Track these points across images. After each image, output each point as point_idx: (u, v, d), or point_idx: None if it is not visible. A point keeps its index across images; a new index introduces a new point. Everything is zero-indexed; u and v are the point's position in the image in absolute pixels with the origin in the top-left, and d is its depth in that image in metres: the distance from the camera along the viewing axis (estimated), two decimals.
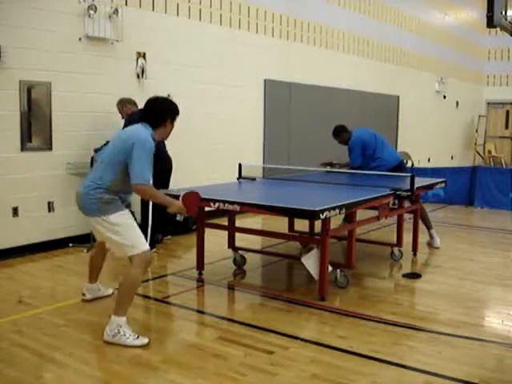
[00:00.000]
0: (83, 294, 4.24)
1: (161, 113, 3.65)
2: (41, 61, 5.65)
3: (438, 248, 6.23)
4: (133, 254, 3.56)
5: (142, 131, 3.55)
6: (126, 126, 5.89)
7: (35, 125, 5.69)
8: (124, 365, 3.20)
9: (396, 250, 5.68)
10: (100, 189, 3.53)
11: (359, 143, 6.20)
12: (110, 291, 4.35)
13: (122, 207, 3.63)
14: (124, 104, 5.97)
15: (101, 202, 3.53)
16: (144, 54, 6.68)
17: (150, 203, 5.69)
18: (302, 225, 5.84)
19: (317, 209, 3.91)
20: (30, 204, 5.69)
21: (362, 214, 4.88)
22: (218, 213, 4.97)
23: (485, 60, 16.98)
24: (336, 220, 4.32)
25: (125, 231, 3.57)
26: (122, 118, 5.98)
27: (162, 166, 5.89)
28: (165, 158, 5.96)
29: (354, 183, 5.64)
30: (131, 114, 5.85)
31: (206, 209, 4.83)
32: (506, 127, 16.88)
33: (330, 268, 4.42)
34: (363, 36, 11.12)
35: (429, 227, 6.34)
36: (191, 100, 7.35)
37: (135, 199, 6.21)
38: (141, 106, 5.99)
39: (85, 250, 5.80)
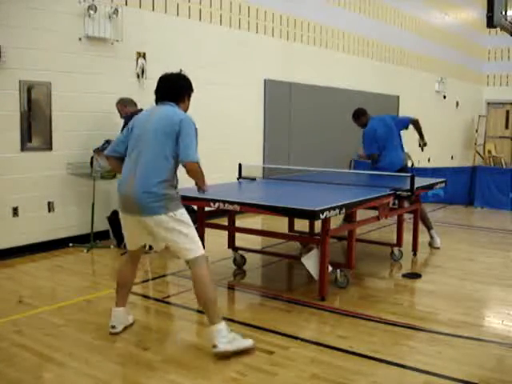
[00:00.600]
0: (113, 327, 3.56)
1: (181, 88, 3.47)
2: (41, 61, 5.65)
3: (438, 248, 6.22)
4: (196, 256, 3.32)
5: (178, 110, 3.38)
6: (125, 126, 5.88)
7: (35, 125, 5.69)
8: (124, 365, 3.21)
9: (396, 250, 5.68)
10: (163, 183, 3.25)
11: (371, 134, 6.24)
12: (132, 319, 3.79)
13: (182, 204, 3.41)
14: (124, 104, 5.95)
15: (167, 198, 3.26)
16: (144, 54, 6.68)
17: None
18: (302, 225, 5.84)
19: (317, 209, 3.91)
20: (30, 204, 5.69)
21: (362, 214, 4.88)
22: (218, 213, 4.98)
23: (485, 60, 16.98)
24: (336, 220, 4.31)
25: (191, 230, 3.36)
26: (121, 117, 5.95)
27: None
28: None
29: (353, 183, 5.64)
30: (132, 115, 5.84)
31: (206, 209, 4.84)
32: (506, 127, 16.88)
33: (330, 268, 4.42)
34: (363, 36, 11.12)
35: (429, 228, 6.34)
36: (191, 100, 7.32)
37: None
38: (141, 105, 6.04)
39: (85, 250, 5.81)
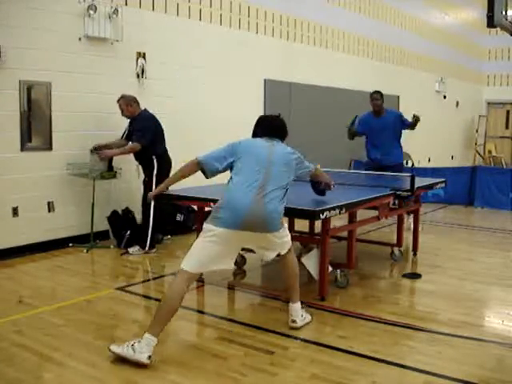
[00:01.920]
0: (149, 357, 3.18)
1: (286, 132, 4.04)
2: (41, 61, 5.65)
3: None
4: (290, 245, 3.82)
5: (288, 147, 3.96)
6: (133, 127, 5.87)
7: (35, 125, 5.69)
8: (124, 365, 3.20)
9: (396, 250, 5.68)
10: (282, 204, 3.63)
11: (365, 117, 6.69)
12: None
13: None
14: (129, 103, 5.82)
15: (282, 214, 3.67)
16: (144, 54, 6.68)
17: (152, 203, 5.69)
18: (302, 225, 5.84)
19: (317, 209, 3.91)
20: (30, 204, 5.69)
21: (362, 213, 4.88)
22: None
23: (485, 60, 16.98)
24: (336, 220, 4.31)
25: (287, 231, 3.80)
26: (123, 115, 5.91)
27: (164, 166, 5.89)
28: (166, 160, 5.96)
29: (354, 183, 5.63)
30: (142, 117, 5.83)
31: (206, 209, 4.83)
32: (506, 127, 16.87)
33: (330, 268, 4.42)
34: (363, 36, 11.12)
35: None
36: (191, 100, 7.35)
37: (137, 199, 6.23)
38: (141, 106, 6.03)
39: (85, 250, 5.81)
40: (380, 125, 6.62)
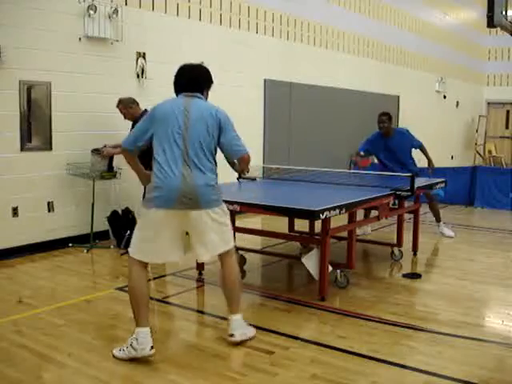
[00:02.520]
0: (144, 349, 3.20)
1: (207, 80, 3.58)
2: (41, 61, 5.65)
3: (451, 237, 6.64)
4: (232, 247, 3.48)
5: (209, 103, 3.47)
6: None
7: (35, 125, 5.69)
8: (124, 365, 3.20)
9: (396, 250, 5.67)
10: (214, 175, 3.32)
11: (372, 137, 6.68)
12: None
13: None
14: (128, 105, 5.82)
15: (218, 189, 3.34)
16: (144, 53, 6.68)
17: None
18: (302, 225, 5.84)
19: (317, 209, 3.91)
20: (30, 204, 5.69)
21: (361, 214, 4.88)
22: None
23: (485, 60, 16.97)
24: (336, 220, 4.31)
25: (229, 221, 3.47)
26: (125, 118, 5.91)
27: None
28: None
29: (353, 183, 5.63)
30: (143, 115, 5.82)
31: None
32: (506, 127, 16.87)
33: (330, 268, 4.42)
34: (363, 36, 11.12)
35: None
36: None
37: (138, 199, 6.23)
38: (141, 106, 6.03)
39: (85, 250, 5.81)
40: (388, 146, 6.51)
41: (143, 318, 3.25)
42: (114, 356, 3.24)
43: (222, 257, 3.47)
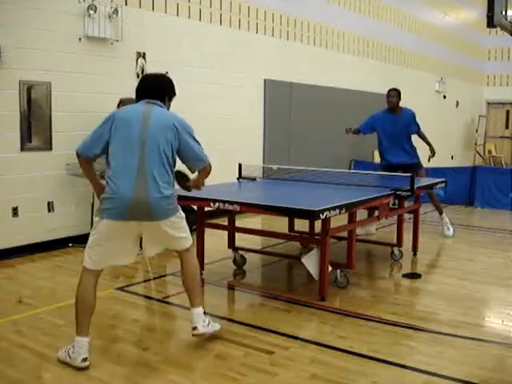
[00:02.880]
0: (85, 360, 3.15)
1: (169, 90, 3.43)
2: (41, 61, 5.65)
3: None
4: (191, 243, 3.48)
5: (170, 112, 3.37)
6: None
7: (35, 125, 5.69)
8: (124, 365, 3.21)
9: (396, 250, 5.67)
10: (170, 185, 3.25)
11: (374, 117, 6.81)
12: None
13: None
14: (128, 104, 5.88)
15: (173, 198, 3.28)
16: (144, 53, 6.68)
17: None
18: (302, 225, 5.84)
19: (317, 209, 3.91)
20: (30, 204, 5.69)
21: (362, 214, 4.88)
22: (218, 213, 4.97)
23: (485, 60, 16.97)
24: (336, 220, 4.31)
25: (185, 223, 3.42)
26: None
27: None
28: None
29: (353, 183, 5.63)
30: None
31: (206, 209, 4.83)
32: (506, 127, 16.87)
33: (330, 268, 4.42)
34: (363, 36, 11.11)
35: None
36: (191, 100, 7.34)
37: None
38: None
39: None
40: (394, 123, 6.55)
41: (83, 327, 3.20)
42: (57, 356, 3.23)
43: (181, 253, 3.46)
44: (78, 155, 3.31)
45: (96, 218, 3.24)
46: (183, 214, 3.39)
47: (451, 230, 6.80)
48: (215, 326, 3.55)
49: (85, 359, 3.13)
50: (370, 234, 6.73)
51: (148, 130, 3.19)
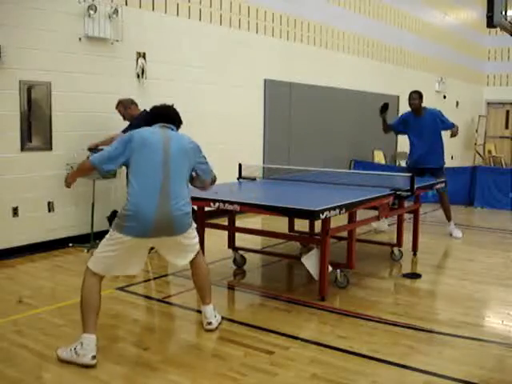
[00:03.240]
0: (94, 357, 3.19)
1: (181, 120, 3.76)
2: (41, 61, 5.65)
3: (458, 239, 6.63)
4: (198, 248, 3.68)
5: (186, 136, 3.65)
6: (133, 127, 5.86)
7: (35, 125, 5.69)
8: (124, 365, 3.21)
9: (396, 250, 5.67)
10: (188, 201, 3.50)
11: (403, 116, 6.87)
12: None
13: None
14: (127, 105, 5.87)
15: (190, 213, 3.53)
16: (144, 53, 6.68)
17: None
18: (302, 225, 5.84)
19: (317, 209, 3.91)
20: (30, 204, 5.69)
21: (362, 214, 4.88)
22: (218, 213, 4.97)
23: (485, 60, 16.98)
24: (336, 220, 4.31)
25: (196, 232, 3.65)
26: (125, 119, 5.93)
27: None
28: None
29: (353, 183, 5.63)
30: (140, 116, 5.84)
31: (206, 209, 4.84)
32: (506, 127, 16.88)
33: (330, 268, 4.42)
34: (363, 36, 11.12)
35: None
36: (191, 100, 7.34)
37: None
38: (141, 106, 6.03)
39: (85, 250, 5.81)
40: (419, 125, 6.60)
41: (91, 324, 3.26)
42: (57, 355, 3.23)
43: (195, 257, 3.67)
44: (94, 166, 3.43)
45: (114, 232, 3.31)
46: (195, 224, 3.62)
47: (460, 232, 6.80)
48: (219, 317, 3.80)
49: (94, 357, 3.18)
50: (383, 229, 6.72)
51: (170, 154, 3.41)
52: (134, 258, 3.44)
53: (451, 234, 6.78)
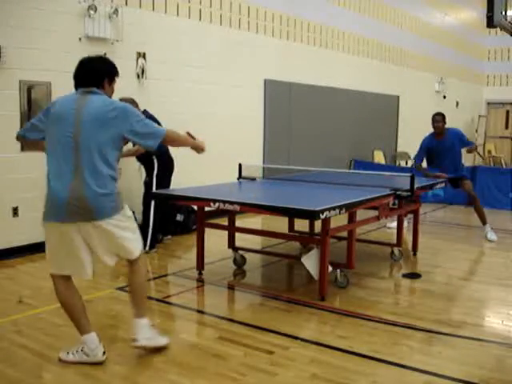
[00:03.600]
0: (104, 353, 3.21)
1: (106, 71, 3.18)
2: (41, 61, 5.65)
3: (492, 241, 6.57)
4: (140, 251, 3.25)
5: (107, 100, 3.07)
6: None
7: None
8: (124, 365, 3.21)
9: (396, 250, 5.67)
10: (114, 180, 3.03)
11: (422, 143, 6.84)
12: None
13: None
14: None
15: (117, 194, 3.07)
16: (144, 54, 6.68)
17: (153, 203, 5.69)
18: (302, 225, 5.84)
19: (317, 209, 3.91)
20: (30, 204, 5.69)
21: (362, 214, 4.88)
22: (218, 213, 4.98)
23: (485, 60, 16.98)
24: (336, 220, 4.31)
25: (134, 224, 3.23)
26: None
27: (165, 166, 5.90)
28: (167, 159, 5.97)
29: (353, 183, 5.64)
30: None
31: (206, 209, 4.84)
32: (506, 127, 16.87)
33: (330, 268, 4.42)
34: (363, 36, 11.12)
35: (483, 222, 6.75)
36: (191, 100, 7.35)
37: (138, 199, 6.23)
38: (141, 106, 6.04)
39: None
40: (441, 146, 6.67)
41: (84, 325, 3.19)
42: (60, 359, 3.20)
43: (131, 261, 3.27)
44: (19, 135, 3.26)
45: (42, 221, 3.16)
46: (130, 213, 3.19)
47: (494, 235, 6.72)
48: (160, 341, 3.33)
49: (104, 352, 3.19)
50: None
51: (81, 124, 2.96)
52: (70, 254, 3.12)
53: (486, 237, 6.68)
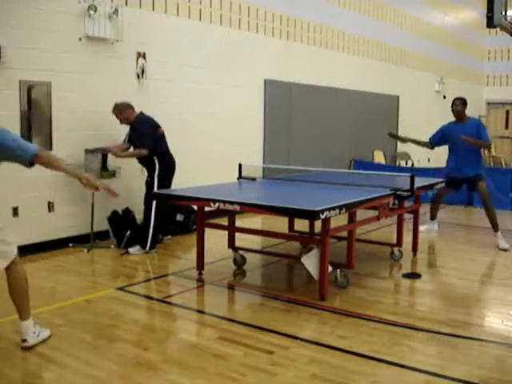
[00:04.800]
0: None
1: None
2: (41, 61, 5.65)
3: (506, 250, 6.11)
4: (14, 255, 3.44)
5: None
6: (138, 132, 5.87)
7: (35, 125, 5.69)
8: (124, 365, 3.21)
9: (396, 250, 5.67)
10: None
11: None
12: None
13: None
14: (122, 110, 5.86)
15: None
16: (144, 53, 6.68)
17: (154, 203, 5.71)
18: (302, 225, 5.84)
19: (317, 209, 3.91)
20: (30, 204, 5.69)
21: (362, 214, 4.88)
22: (218, 213, 4.98)
23: (485, 60, 16.98)
24: (336, 220, 4.31)
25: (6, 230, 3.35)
26: (122, 123, 5.94)
27: (167, 166, 5.90)
28: (168, 159, 5.97)
29: (353, 183, 5.64)
30: (138, 119, 5.85)
31: (206, 209, 4.84)
32: (506, 127, 16.87)
33: (330, 268, 4.42)
34: (363, 36, 11.12)
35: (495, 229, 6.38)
36: (191, 100, 7.35)
37: (138, 199, 6.23)
38: (141, 106, 6.04)
39: (85, 250, 5.81)
40: (460, 132, 6.47)
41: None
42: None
43: (10, 266, 3.37)
44: None
45: None
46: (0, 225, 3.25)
47: (507, 244, 6.23)
48: (44, 334, 3.49)
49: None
50: (434, 230, 6.74)
51: None
52: None
53: (498, 246, 6.22)
